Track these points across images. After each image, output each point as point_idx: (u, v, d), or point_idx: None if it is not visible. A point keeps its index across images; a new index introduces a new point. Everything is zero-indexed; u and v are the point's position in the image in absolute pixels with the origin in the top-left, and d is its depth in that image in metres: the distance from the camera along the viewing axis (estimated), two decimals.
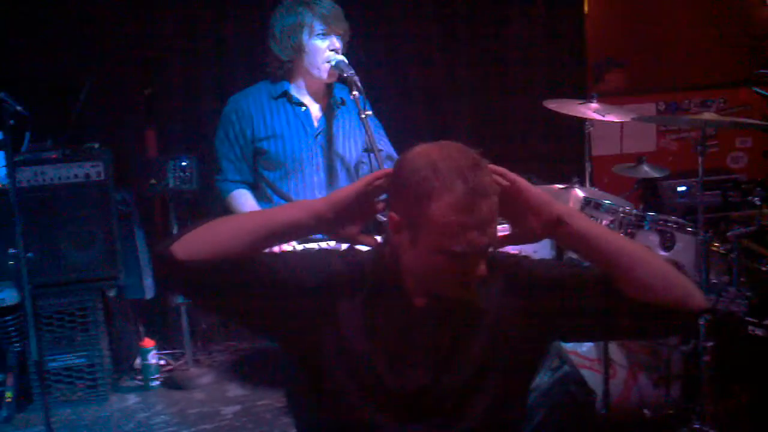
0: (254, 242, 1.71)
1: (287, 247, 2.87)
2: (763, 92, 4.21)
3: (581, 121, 3.82)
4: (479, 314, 1.77)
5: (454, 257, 1.64)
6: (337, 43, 3.33)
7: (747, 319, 3.10)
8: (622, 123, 4.60)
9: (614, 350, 3.31)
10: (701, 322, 3.04)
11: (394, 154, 3.47)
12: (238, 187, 3.47)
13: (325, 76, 3.36)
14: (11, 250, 3.20)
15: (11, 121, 3.11)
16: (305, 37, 3.31)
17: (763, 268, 3.26)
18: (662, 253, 3.18)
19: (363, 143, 3.50)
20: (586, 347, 3.35)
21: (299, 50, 3.34)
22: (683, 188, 4.55)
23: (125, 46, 4.52)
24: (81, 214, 3.92)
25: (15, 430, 3.78)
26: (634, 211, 3.28)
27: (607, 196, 3.62)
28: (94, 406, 3.99)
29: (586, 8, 5.19)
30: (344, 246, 1.88)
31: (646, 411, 3.30)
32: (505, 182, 1.71)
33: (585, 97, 3.90)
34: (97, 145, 4.10)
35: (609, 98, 3.95)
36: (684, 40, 5.28)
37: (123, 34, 4.50)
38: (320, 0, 3.33)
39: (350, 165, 3.50)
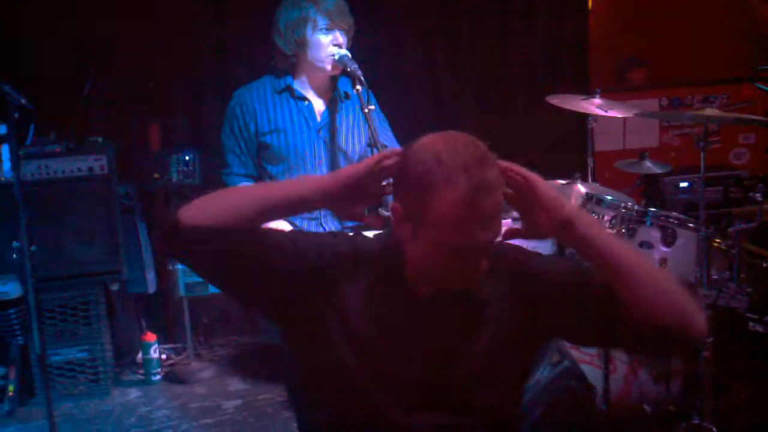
0: (260, 213, 1.71)
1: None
2: (766, 88, 4.21)
3: (584, 117, 3.82)
4: (484, 306, 1.77)
5: (455, 252, 1.63)
6: (341, 38, 3.32)
7: (747, 315, 3.11)
8: (624, 119, 4.60)
9: None
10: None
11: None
12: (243, 181, 3.47)
13: (329, 68, 3.36)
14: (15, 244, 3.21)
15: (16, 115, 3.12)
16: (309, 31, 3.30)
17: (764, 265, 3.26)
18: (663, 248, 3.18)
19: (367, 138, 3.50)
20: None
21: (303, 45, 3.33)
22: (685, 184, 4.55)
23: (129, 39, 4.53)
24: (84, 207, 3.93)
25: (17, 424, 3.80)
26: (636, 207, 3.28)
27: (609, 191, 3.62)
28: (95, 400, 4.01)
29: (590, 3, 5.19)
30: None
31: (646, 406, 3.30)
32: (519, 178, 1.69)
33: (588, 92, 3.90)
34: (100, 139, 4.11)
35: (612, 94, 3.95)
36: (688, 36, 5.27)
37: (126, 27, 4.50)
38: None
39: (353, 159, 3.50)
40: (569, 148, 4.86)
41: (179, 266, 4.15)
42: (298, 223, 3.35)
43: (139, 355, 4.32)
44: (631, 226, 3.24)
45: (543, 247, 3.46)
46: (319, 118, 3.44)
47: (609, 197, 3.37)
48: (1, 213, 3.64)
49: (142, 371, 4.26)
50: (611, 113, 3.63)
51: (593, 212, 3.32)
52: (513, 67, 5.07)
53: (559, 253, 3.53)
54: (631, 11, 5.33)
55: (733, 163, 5.38)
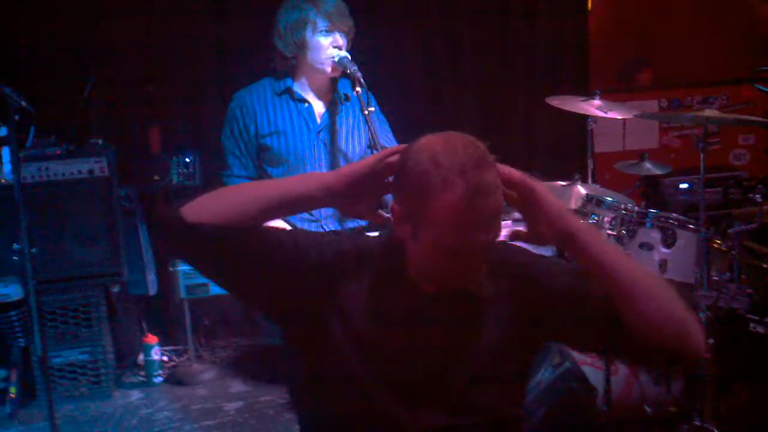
0: (263, 210, 1.71)
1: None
2: (766, 89, 4.20)
3: (583, 118, 3.82)
4: (486, 306, 1.76)
5: (454, 253, 1.63)
6: (341, 40, 3.32)
7: (748, 316, 3.11)
8: (624, 120, 4.60)
9: None
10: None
11: None
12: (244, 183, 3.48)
13: (328, 70, 3.36)
14: (15, 246, 3.21)
15: (16, 117, 3.12)
16: (309, 33, 3.30)
17: (765, 265, 3.26)
18: (664, 250, 3.18)
19: (367, 140, 3.50)
20: None
21: (302, 47, 3.33)
22: (685, 185, 4.55)
23: (129, 41, 4.53)
24: (85, 210, 3.93)
25: (18, 426, 3.80)
26: (636, 208, 3.29)
27: (609, 192, 3.62)
28: (97, 402, 4.01)
29: (590, 3, 5.20)
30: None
31: (647, 408, 3.30)
32: (520, 187, 1.67)
33: (588, 93, 3.90)
34: (100, 141, 4.11)
35: (612, 95, 3.95)
36: (687, 37, 5.28)
37: (126, 29, 4.50)
38: None
39: (353, 161, 3.49)
40: (569, 149, 4.87)
41: (180, 268, 4.15)
42: (298, 225, 3.35)
43: (141, 357, 4.32)
44: (631, 227, 3.24)
45: (545, 249, 3.45)
46: (319, 120, 3.45)
47: (609, 198, 3.37)
48: (2, 215, 3.64)
49: (143, 373, 4.26)
50: (611, 114, 3.64)
51: (593, 214, 3.32)
52: (513, 67, 5.08)
53: (559, 254, 3.53)
54: (631, 12, 5.34)
55: (733, 164, 5.38)
